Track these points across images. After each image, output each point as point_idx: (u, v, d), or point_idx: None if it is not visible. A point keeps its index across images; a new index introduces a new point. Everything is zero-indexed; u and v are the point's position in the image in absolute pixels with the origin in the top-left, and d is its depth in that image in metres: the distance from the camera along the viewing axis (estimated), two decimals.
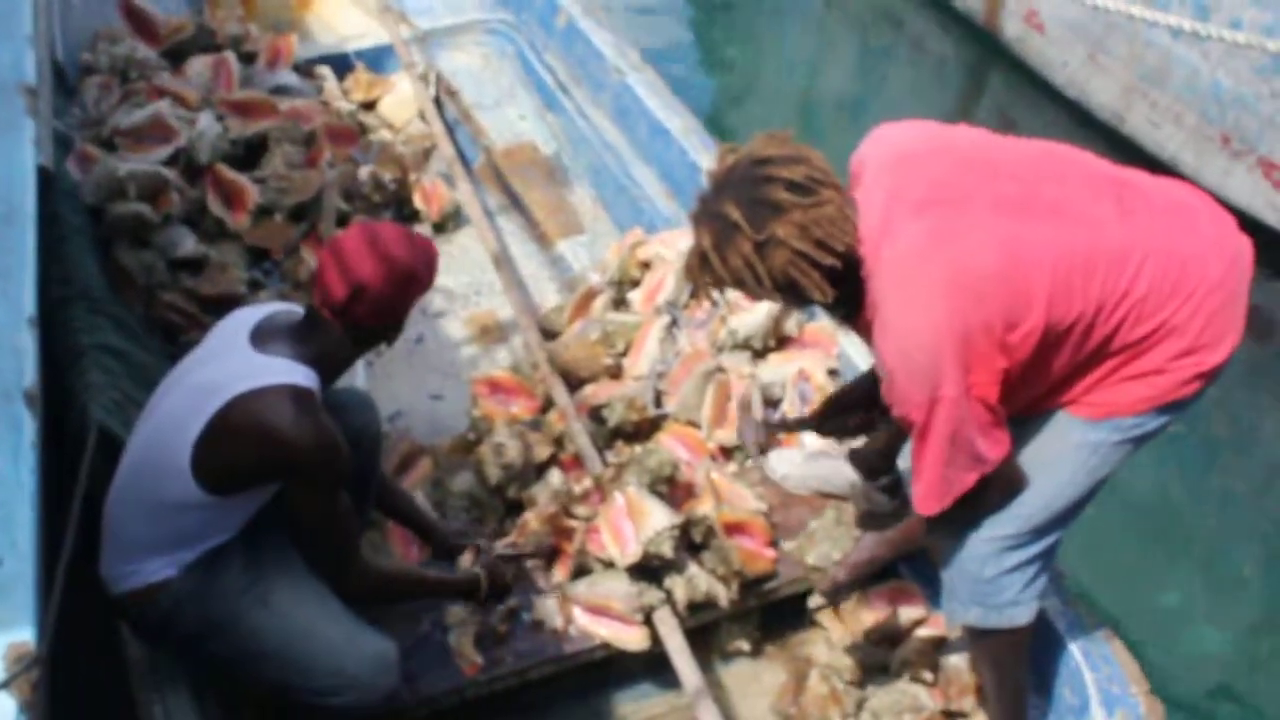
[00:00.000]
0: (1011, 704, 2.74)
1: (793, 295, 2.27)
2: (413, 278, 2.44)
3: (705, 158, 4.19)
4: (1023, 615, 2.56)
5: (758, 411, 3.34)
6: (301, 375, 2.39)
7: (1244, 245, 2.34)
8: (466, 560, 3.00)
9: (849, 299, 2.31)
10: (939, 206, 2.21)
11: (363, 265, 2.37)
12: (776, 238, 2.18)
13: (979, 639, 2.67)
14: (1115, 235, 2.22)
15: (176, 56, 4.67)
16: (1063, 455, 2.41)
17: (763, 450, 3.30)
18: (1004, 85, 6.91)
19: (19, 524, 1.98)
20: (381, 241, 2.39)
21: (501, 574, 2.94)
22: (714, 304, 2.50)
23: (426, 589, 2.90)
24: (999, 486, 2.40)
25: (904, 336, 2.20)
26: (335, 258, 2.39)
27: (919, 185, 2.25)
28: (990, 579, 2.52)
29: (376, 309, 2.41)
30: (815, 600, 2.91)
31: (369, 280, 2.37)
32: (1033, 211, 2.21)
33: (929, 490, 2.34)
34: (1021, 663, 2.71)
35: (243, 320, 2.52)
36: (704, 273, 2.28)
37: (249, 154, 4.29)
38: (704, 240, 2.24)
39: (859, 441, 3.21)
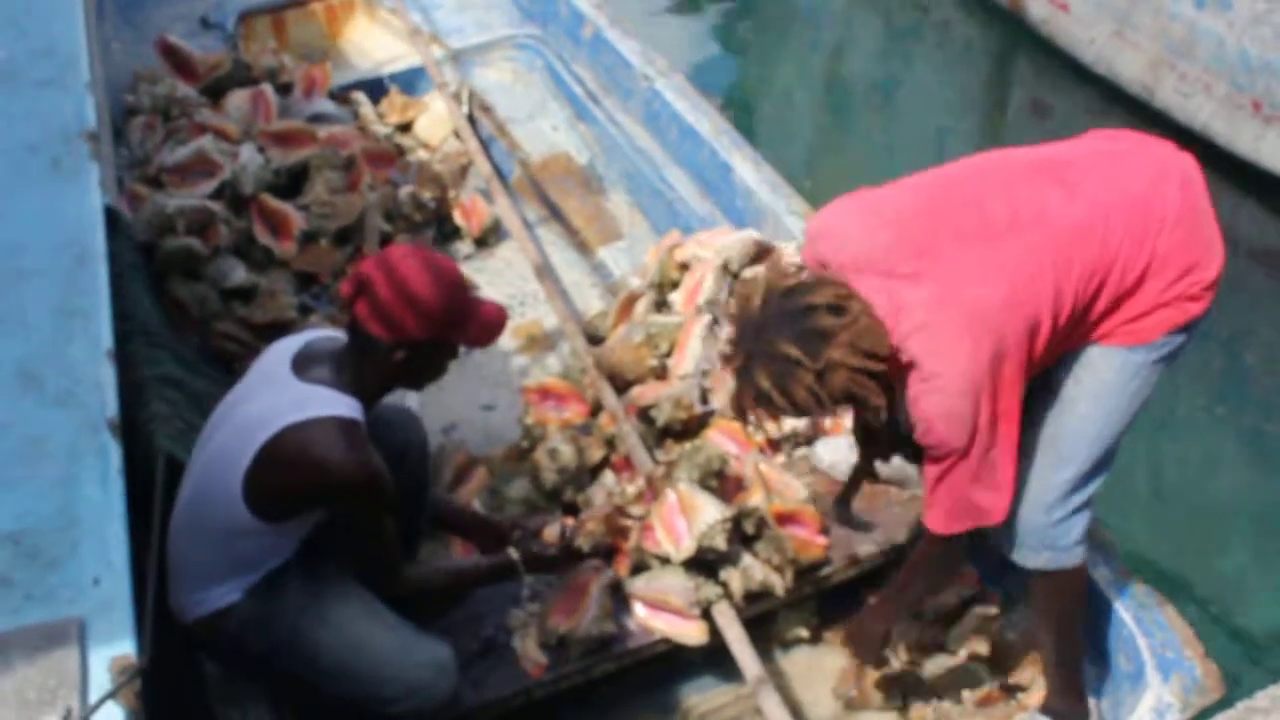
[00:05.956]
0: (1073, 655, 2.83)
1: (854, 405, 2.40)
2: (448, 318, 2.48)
3: (736, 157, 4.26)
4: (1083, 553, 2.68)
5: None
6: (345, 405, 2.43)
7: (1187, 164, 2.46)
8: (551, 535, 2.96)
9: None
10: (928, 270, 2.31)
11: (405, 315, 2.41)
12: (834, 361, 2.26)
13: (1049, 583, 2.74)
14: (1072, 215, 2.34)
15: (215, 92, 4.77)
16: (1105, 384, 2.49)
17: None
18: (1031, 67, 6.92)
19: (113, 545, 2.09)
20: (412, 287, 2.41)
21: (533, 550, 2.89)
22: (756, 427, 2.57)
23: (466, 579, 2.90)
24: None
25: (943, 390, 2.30)
26: (373, 303, 2.41)
27: (899, 260, 2.34)
28: (1056, 522, 2.62)
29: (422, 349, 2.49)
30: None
31: (412, 331, 2.43)
32: (994, 231, 2.32)
33: (952, 511, 2.47)
34: (1083, 606, 2.82)
35: (283, 350, 2.57)
36: (766, 411, 2.35)
37: (291, 182, 4.38)
38: (762, 381, 2.30)
39: None
